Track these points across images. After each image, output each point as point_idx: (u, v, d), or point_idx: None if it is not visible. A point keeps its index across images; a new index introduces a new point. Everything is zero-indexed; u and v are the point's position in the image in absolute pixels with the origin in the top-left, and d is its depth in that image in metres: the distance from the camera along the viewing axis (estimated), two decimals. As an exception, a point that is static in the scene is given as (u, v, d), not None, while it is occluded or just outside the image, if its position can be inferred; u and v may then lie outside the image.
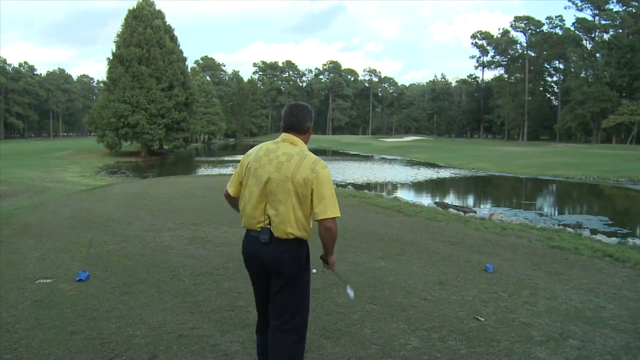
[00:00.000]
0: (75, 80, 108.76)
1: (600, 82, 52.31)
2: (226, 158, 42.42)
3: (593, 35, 63.39)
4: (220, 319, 3.81)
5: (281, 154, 2.45)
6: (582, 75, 57.94)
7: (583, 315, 4.04)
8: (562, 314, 4.04)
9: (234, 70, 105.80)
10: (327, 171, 2.44)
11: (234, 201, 2.68)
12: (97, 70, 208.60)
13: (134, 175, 25.72)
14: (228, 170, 27.64)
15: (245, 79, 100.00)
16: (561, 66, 69.59)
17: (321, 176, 2.39)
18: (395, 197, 13.59)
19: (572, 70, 61.64)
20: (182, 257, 5.65)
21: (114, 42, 42.21)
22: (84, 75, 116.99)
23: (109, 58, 42.12)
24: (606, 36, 59.79)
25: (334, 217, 2.40)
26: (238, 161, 2.80)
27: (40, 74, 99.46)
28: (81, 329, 3.60)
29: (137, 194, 11.21)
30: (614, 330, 3.74)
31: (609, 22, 59.15)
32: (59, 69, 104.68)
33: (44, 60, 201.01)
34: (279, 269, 2.45)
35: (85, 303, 4.13)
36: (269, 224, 2.45)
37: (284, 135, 2.54)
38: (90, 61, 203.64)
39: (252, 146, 2.72)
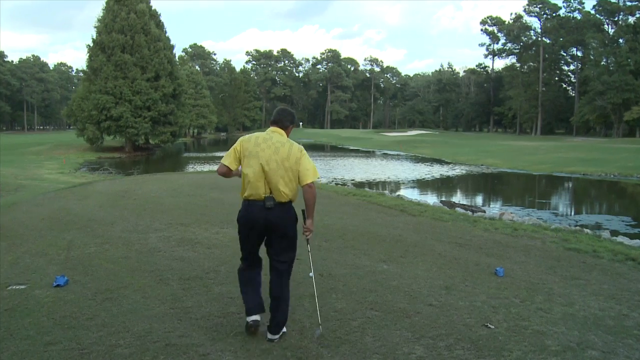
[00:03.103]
0: (51, 68, 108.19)
1: (623, 70, 52.02)
2: (217, 154, 42.30)
3: (616, 19, 61.96)
4: (210, 327, 3.81)
5: (276, 141, 3.55)
6: (602, 63, 57.53)
7: (603, 323, 4.04)
8: (579, 322, 4.05)
9: (225, 60, 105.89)
10: (305, 152, 3.61)
11: (230, 174, 3.62)
12: (76, 58, 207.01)
13: (118, 172, 25.68)
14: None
15: (238, 69, 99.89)
16: (579, 54, 69.56)
17: (304, 156, 3.57)
18: (399, 195, 13.61)
19: (592, 57, 61.04)
20: (169, 260, 5.64)
21: (95, 27, 41.94)
22: (61, 63, 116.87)
23: (89, 45, 41.84)
24: (631, 19, 58.17)
25: (314, 180, 3.54)
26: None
27: (12, 61, 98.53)
28: (59, 339, 3.59)
29: (121, 193, 11.21)
30: (639, 340, 3.74)
31: (635, 3, 57.16)
32: (33, 56, 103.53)
33: (14, 46, 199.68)
34: (284, 228, 3.53)
35: (63, 310, 4.12)
36: (271, 192, 3.48)
37: (272, 127, 3.65)
38: (67, 48, 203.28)
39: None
